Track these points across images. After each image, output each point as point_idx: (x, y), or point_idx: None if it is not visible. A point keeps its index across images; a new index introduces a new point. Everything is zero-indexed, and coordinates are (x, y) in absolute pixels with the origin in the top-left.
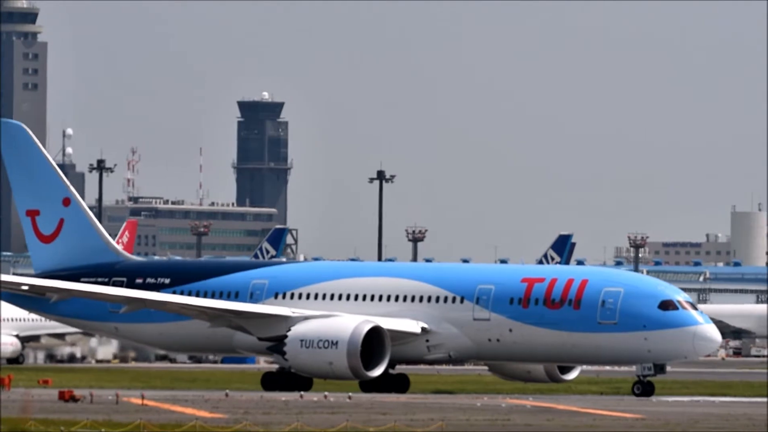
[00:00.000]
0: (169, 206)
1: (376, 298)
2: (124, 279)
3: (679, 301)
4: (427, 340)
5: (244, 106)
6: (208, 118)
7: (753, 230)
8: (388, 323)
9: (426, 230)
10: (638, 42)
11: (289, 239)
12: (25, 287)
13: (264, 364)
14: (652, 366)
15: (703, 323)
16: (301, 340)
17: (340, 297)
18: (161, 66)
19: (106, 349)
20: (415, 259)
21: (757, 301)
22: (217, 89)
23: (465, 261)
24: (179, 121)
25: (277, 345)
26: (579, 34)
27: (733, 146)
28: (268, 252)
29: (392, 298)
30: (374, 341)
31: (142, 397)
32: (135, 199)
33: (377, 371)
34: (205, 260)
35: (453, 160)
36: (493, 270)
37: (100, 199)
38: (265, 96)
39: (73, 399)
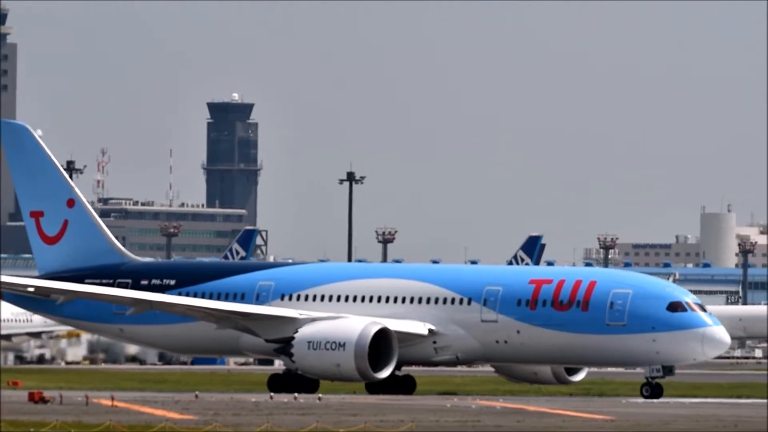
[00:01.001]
0: (139, 207)
1: (383, 299)
2: (129, 280)
3: (687, 303)
4: (435, 342)
5: (214, 108)
6: (177, 119)
7: (722, 231)
8: (395, 325)
9: (396, 231)
10: (607, 42)
11: (259, 240)
12: (31, 289)
13: (234, 365)
14: (661, 368)
15: (711, 325)
16: (309, 342)
17: (346, 298)
18: (131, 67)
19: (75, 351)
20: (384, 259)
21: (727, 303)
22: (187, 90)
23: (435, 262)
24: (149, 122)
25: (284, 347)
26: (546, 35)
27: (702, 148)
28: (237, 253)
29: (399, 300)
30: (382, 343)
31: (112, 399)
32: (105, 201)
33: (385, 373)
34: (211, 261)
35: (423, 161)
36: (500, 271)
37: None
38: (235, 97)
39: (43, 400)
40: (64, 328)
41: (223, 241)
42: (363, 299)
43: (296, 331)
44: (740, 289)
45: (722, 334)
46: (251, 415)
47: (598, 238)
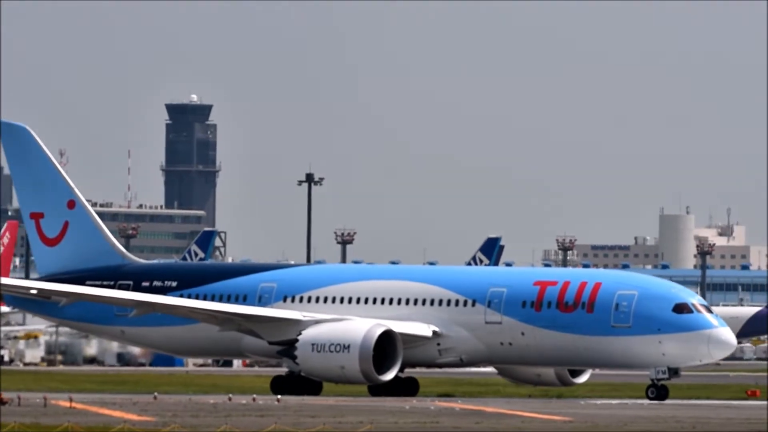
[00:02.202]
0: (97, 208)
1: (386, 301)
2: (131, 282)
3: (693, 304)
4: (439, 344)
5: (173, 109)
6: (136, 120)
7: (681, 233)
8: (399, 327)
9: (355, 232)
10: (568, 45)
11: (217, 242)
12: (34, 291)
13: (193, 366)
14: (667, 369)
15: (718, 326)
16: (313, 344)
17: (350, 300)
18: (89, 68)
19: (33, 352)
20: (343, 260)
21: None
22: (145, 92)
23: (394, 263)
24: (107, 123)
25: (287, 349)
26: (509, 36)
27: (660, 149)
28: (196, 254)
29: (403, 302)
30: (386, 345)
31: (71, 400)
32: None
33: (389, 375)
34: (213, 263)
35: (382, 162)
36: (504, 273)
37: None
38: (194, 98)
39: (1, 402)
40: (21, 329)
41: (181, 243)
42: (366, 301)
43: (300, 333)
44: (698, 291)
45: (728, 335)
46: (210, 417)
47: (557, 240)
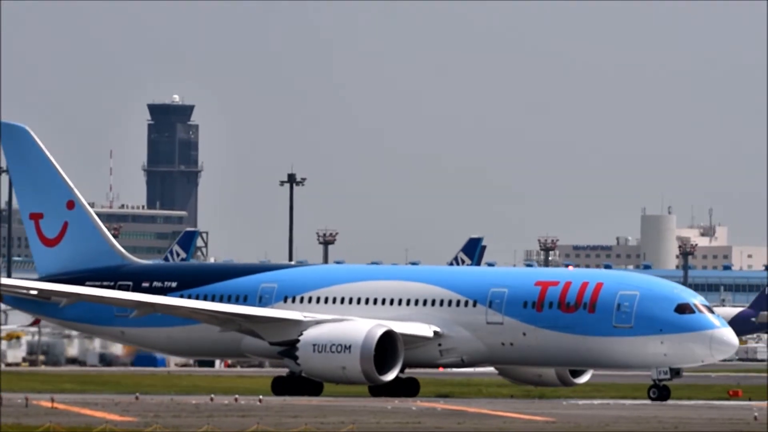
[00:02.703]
0: None
1: (387, 301)
2: (130, 283)
3: (695, 305)
4: (440, 344)
5: (155, 109)
6: (118, 120)
7: (663, 233)
8: (400, 327)
9: (337, 233)
10: (546, 45)
11: (199, 242)
12: (34, 292)
13: (174, 367)
14: (669, 370)
15: (720, 327)
16: (314, 345)
17: (350, 301)
18: (71, 67)
19: (15, 352)
20: (325, 261)
21: None
22: (127, 92)
23: (375, 263)
24: (89, 123)
25: (288, 349)
26: (486, 36)
27: (642, 149)
28: (178, 255)
29: (404, 302)
30: (387, 345)
31: (52, 401)
32: None
33: (390, 376)
34: (213, 263)
35: (364, 162)
36: (506, 273)
37: (9, 203)
38: (176, 99)
39: None
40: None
41: (163, 243)
42: (367, 301)
43: (301, 334)
44: None
45: (730, 336)
46: (192, 417)
47: (539, 240)
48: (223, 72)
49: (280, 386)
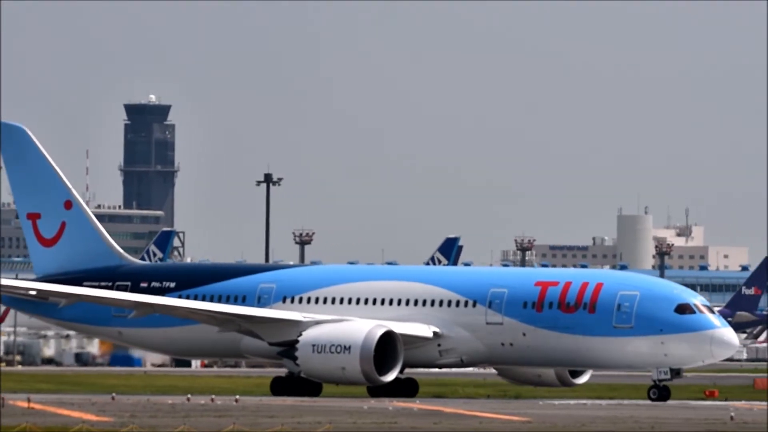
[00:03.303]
0: None
1: (387, 302)
2: (129, 283)
3: (695, 305)
4: (439, 345)
5: (131, 109)
6: (94, 120)
7: (639, 233)
8: (399, 327)
9: (313, 233)
10: (520, 43)
11: (176, 242)
12: (33, 292)
13: (151, 367)
14: (669, 370)
15: (720, 327)
16: (313, 345)
17: (349, 301)
18: (47, 67)
19: None
20: (302, 261)
21: None
22: (103, 92)
23: (352, 263)
24: (65, 123)
25: (288, 350)
26: (460, 35)
27: (619, 149)
28: (155, 255)
29: (403, 302)
30: (387, 346)
31: (28, 401)
32: None
33: (390, 376)
34: (211, 264)
35: (340, 162)
36: (505, 273)
37: None
38: (152, 99)
39: None
40: None
41: (140, 243)
42: (366, 302)
43: (300, 334)
44: None
45: (731, 336)
46: (168, 417)
47: (516, 240)
48: (200, 72)
49: (279, 387)
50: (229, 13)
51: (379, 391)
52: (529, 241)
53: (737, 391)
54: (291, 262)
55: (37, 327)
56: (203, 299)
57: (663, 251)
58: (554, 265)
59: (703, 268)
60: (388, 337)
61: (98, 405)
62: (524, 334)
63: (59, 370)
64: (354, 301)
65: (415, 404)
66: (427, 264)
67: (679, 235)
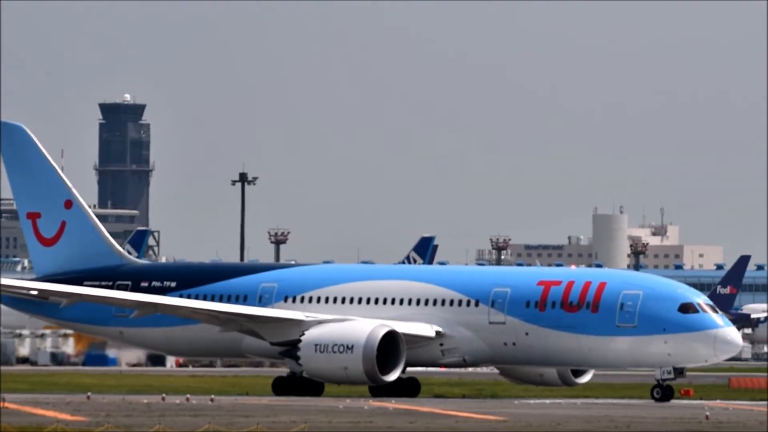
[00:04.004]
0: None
1: (389, 301)
2: (129, 282)
3: (699, 304)
4: (442, 344)
5: (106, 108)
6: (69, 119)
7: (614, 232)
8: (401, 327)
9: (288, 232)
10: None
11: (151, 241)
12: (34, 292)
13: (126, 366)
14: (672, 370)
15: (723, 326)
16: (316, 345)
17: (351, 300)
18: (21, 66)
19: None
20: (277, 260)
21: None
22: (78, 91)
23: (327, 262)
24: (40, 122)
25: (290, 349)
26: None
27: (594, 148)
28: (130, 254)
29: (405, 302)
30: (389, 345)
31: (3, 400)
32: None
33: (393, 376)
34: (213, 263)
35: (316, 161)
36: (508, 273)
37: None
38: (127, 98)
39: None
40: None
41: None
42: (368, 301)
43: (303, 334)
44: None
45: (734, 335)
46: (143, 417)
47: (491, 239)
48: (175, 71)
49: (281, 386)
50: (204, 13)
51: (381, 390)
52: (504, 240)
53: (712, 391)
54: (293, 261)
55: (11, 326)
56: (204, 299)
57: (638, 250)
58: (529, 264)
59: (679, 267)
60: (391, 337)
61: (73, 404)
62: (527, 334)
63: (34, 369)
64: (356, 300)
65: (390, 403)
66: (402, 263)
67: (654, 234)
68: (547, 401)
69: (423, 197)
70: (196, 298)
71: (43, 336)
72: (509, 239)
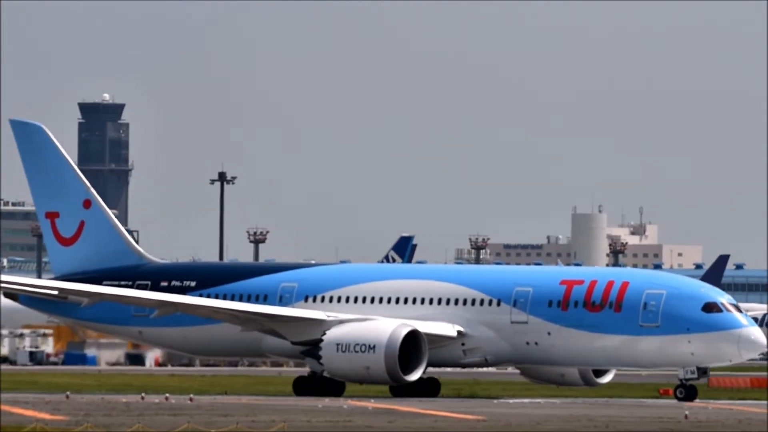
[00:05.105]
0: (10, 208)
1: (410, 300)
2: (149, 282)
3: (722, 303)
4: (463, 344)
5: (85, 108)
6: (48, 119)
7: (593, 232)
8: (423, 326)
9: (267, 231)
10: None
11: None
12: (55, 291)
13: (105, 366)
14: (696, 369)
15: (747, 326)
16: (337, 344)
17: (372, 300)
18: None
19: None
20: (256, 259)
21: None
22: (57, 90)
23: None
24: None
25: (311, 349)
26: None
27: (572, 147)
28: None
29: (426, 301)
30: (411, 345)
31: None
32: None
33: (414, 375)
34: (232, 263)
35: (294, 161)
36: (530, 272)
37: None
38: (106, 97)
39: None
40: None
41: None
42: (389, 300)
43: (324, 333)
44: None
45: (758, 335)
46: (122, 416)
47: (470, 239)
48: (153, 70)
49: (302, 386)
50: (183, 12)
51: (401, 390)
52: (483, 239)
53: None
54: (313, 261)
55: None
56: (224, 298)
57: (617, 249)
58: (508, 263)
59: (657, 266)
60: (413, 337)
61: (52, 404)
62: (549, 333)
63: (13, 368)
64: (377, 300)
65: (369, 403)
66: (381, 262)
67: (633, 233)
68: (526, 400)
69: (402, 196)
70: (216, 297)
71: (22, 335)
72: (488, 239)
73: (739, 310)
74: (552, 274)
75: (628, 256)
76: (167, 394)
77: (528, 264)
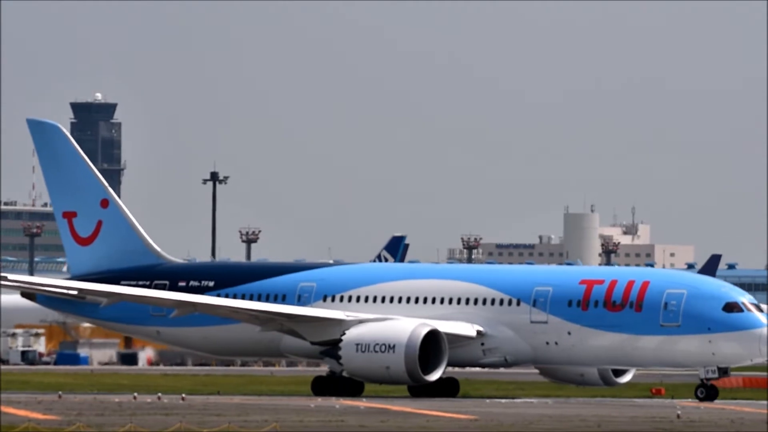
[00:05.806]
0: (2, 207)
1: (429, 300)
2: (167, 282)
3: (744, 303)
4: (483, 344)
5: (77, 108)
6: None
7: (585, 231)
8: (442, 326)
9: (260, 231)
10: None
11: None
12: (74, 291)
13: (97, 365)
14: (717, 369)
15: None
16: (357, 344)
17: (391, 299)
18: None
19: None
20: (248, 259)
21: None
22: (49, 90)
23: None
24: (11, 122)
25: (330, 349)
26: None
27: (565, 147)
28: None
29: (446, 301)
30: (431, 345)
31: None
32: None
33: (435, 375)
34: (251, 263)
35: (287, 161)
36: (550, 271)
37: None
38: (98, 97)
39: None
40: None
41: None
42: (408, 300)
43: (344, 333)
44: None
45: None
46: (115, 416)
47: (462, 238)
48: (146, 70)
49: (321, 386)
50: (176, 12)
51: (420, 390)
52: (476, 239)
53: (684, 390)
54: (331, 261)
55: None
56: (243, 298)
57: (609, 249)
58: (500, 263)
59: (650, 266)
60: (433, 336)
61: (45, 403)
62: (569, 333)
63: (5, 368)
64: (396, 299)
65: (362, 402)
66: (374, 262)
67: (625, 233)
68: (519, 400)
69: (394, 196)
70: (235, 297)
71: (14, 335)
72: (480, 238)
73: (760, 309)
74: (572, 274)
75: (621, 255)
76: (159, 394)
77: (521, 263)
